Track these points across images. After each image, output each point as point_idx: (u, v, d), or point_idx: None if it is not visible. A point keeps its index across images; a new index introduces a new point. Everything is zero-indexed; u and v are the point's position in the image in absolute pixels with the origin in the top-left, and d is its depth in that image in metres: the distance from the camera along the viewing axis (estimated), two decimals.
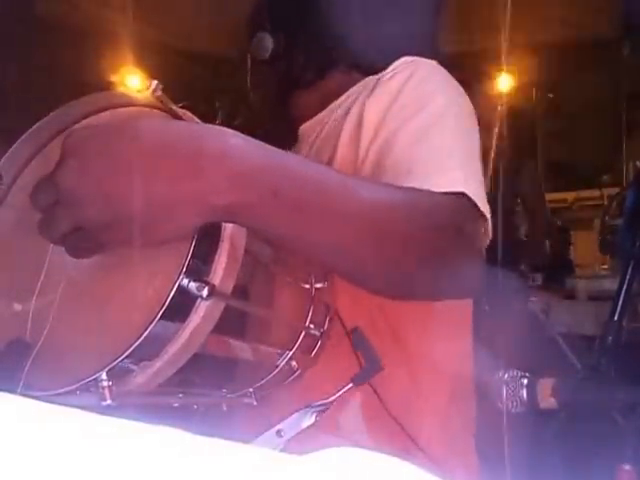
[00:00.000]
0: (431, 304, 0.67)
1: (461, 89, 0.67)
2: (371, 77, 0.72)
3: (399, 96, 0.65)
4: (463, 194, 0.58)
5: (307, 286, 0.58)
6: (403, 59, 0.68)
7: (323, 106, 0.77)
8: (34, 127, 0.49)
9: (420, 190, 0.59)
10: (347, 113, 0.70)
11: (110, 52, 2.39)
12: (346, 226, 0.48)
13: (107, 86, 2.51)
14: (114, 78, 2.62)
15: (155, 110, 0.45)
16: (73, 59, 2.35)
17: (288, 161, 0.46)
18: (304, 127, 0.79)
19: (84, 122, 0.47)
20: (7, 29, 2.18)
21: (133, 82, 2.73)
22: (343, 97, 0.75)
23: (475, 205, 0.59)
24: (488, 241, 0.66)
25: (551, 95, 2.50)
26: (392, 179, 0.60)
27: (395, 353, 0.66)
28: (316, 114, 0.78)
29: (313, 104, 0.78)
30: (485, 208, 0.61)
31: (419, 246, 0.53)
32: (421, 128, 0.62)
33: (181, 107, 0.45)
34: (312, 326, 0.57)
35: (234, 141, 0.42)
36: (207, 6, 2.73)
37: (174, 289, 0.39)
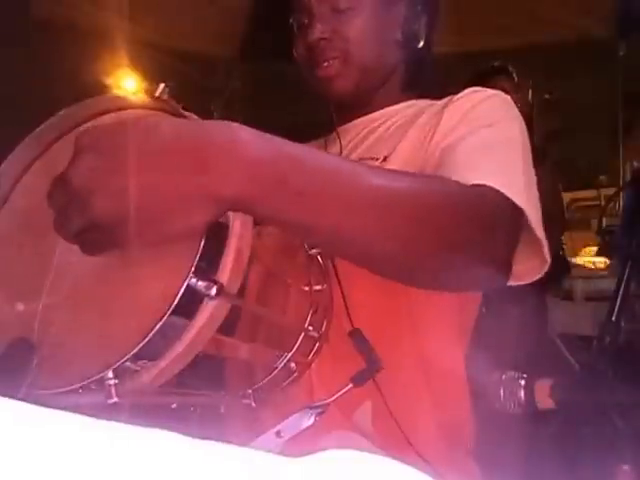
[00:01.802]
0: (440, 307, 0.67)
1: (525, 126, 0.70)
2: (428, 100, 0.78)
3: (477, 108, 0.68)
4: (497, 190, 0.58)
5: (306, 288, 0.58)
6: (476, 87, 0.72)
7: (363, 111, 0.79)
8: (36, 130, 0.49)
9: (443, 179, 0.59)
10: (412, 121, 0.73)
11: (106, 54, 2.39)
12: (356, 212, 0.48)
13: (103, 88, 2.51)
14: (110, 80, 2.62)
15: (160, 112, 0.46)
16: (69, 61, 2.35)
17: (296, 150, 0.46)
18: (342, 128, 0.80)
19: (86, 125, 0.47)
20: (2, 30, 2.17)
21: (128, 84, 2.73)
22: (396, 108, 0.79)
23: (511, 203, 0.58)
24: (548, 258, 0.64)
25: (547, 96, 2.51)
26: (445, 173, 0.61)
27: (401, 353, 0.66)
28: (352, 116, 0.80)
29: (355, 106, 0.79)
30: (531, 210, 0.59)
31: (432, 232, 0.52)
32: (490, 139, 0.65)
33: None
34: (311, 328, 0.58)
35: (241, 133, 0.43)
36: (202, 7, 2.73)
37: (183, 288, 0.39)
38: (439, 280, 0.59)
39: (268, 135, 0.44)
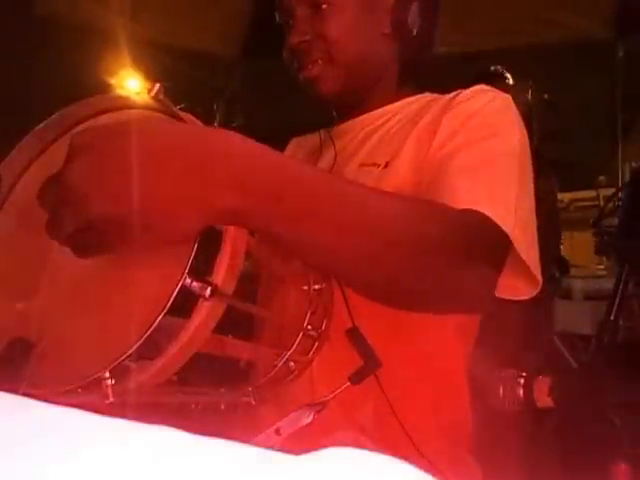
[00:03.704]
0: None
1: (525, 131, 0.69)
2: (428, 94, 0.77)
3: (476, 116, 0.67)
4: (485, 215, 0.58)
5: (305, 287, 0.59)
6: (480, 86, 0.71)
7: (362, 109, 0.78)
8: (36, 128, 0.49)
9: (435, 203, 0.59)
10: (414, 122, 0.71)
11: (108, 53, 2.39)
12: (349, 233, 0.48)
13: (106, 87, 2.51)
14: (112, 79, 2.62)
15: (157, 113, 0.46)
16: (71, 60, 2.35)
17: (292, 166, 0.47)
18: (342, 126, 0.80)
19: (86, 124, 0.47)
20: (6, 30, 2.17)
21: (131, 83, 2.73)
22: (397, 105, 0.77)
23: (499, 229, 0.58)
24: (539, 283, 0.64)
25: (547, 96, 2.51)
26: (434, 191, 0.62)
27: (400, 353, 0.66)
28: (353, 113, 0.79)
29: (351, 105, 0.78)
30: (518, 238, 0.60)
31: (423, 258, 0.53)
32: (484, 154, 0.64)
33: (179, 110, 0.45)
34: (310, 327, 0.58)
35: (239, 144, 0.43)
36: (205, 8, 2.73)
37: (177, 288, 0.40)
38: (422, 305, 0.59)
39: (264, 147, 0.44)
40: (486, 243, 0.59)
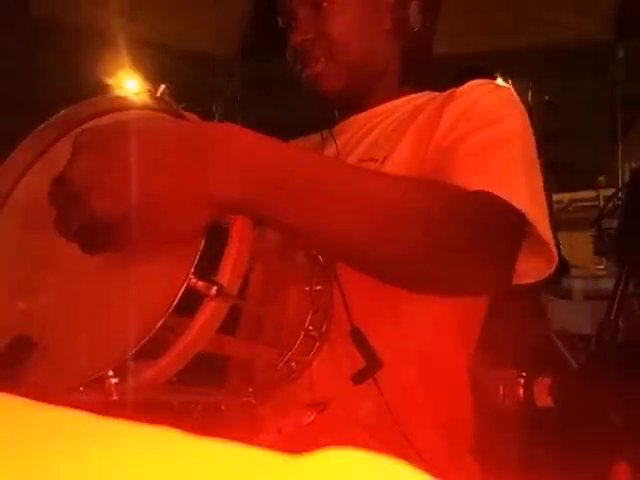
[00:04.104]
0: (441, 308, 0.67)
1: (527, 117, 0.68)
2: (428, 92, 0.77)
3: (477, 105, 0.67)
4: (497, 196, 0.57)
5: (307, 288, 0.59)
6: (478, 80, 0.71)
7: (363, 107, 0.79)
8: (39, 129, 0.49)
9: (442, 185, 0.59)
10: (411, 119, 0.72)
11: (107, 54, 2.39)
12: (356, 218, 0.48)
13: (104, 87, 2.52)
14: (111, 80, 2.62)
15: (161, 113, 0.46)
16: (70, 61, 2.35)
17: (295, 154, 0.47)
18: (343, 124, 0.80)
19: (89, 124, 0.48)
20: (3, 30, 2.18)
21: (129, 84, 2.73)
22: (397, 102, 0.77)
23: (512, 208, 0.58)
24: (556, 258, 0.63)
25: (547, 97, 2.51)
26: (441, 179, 0.61)
27: (400, 353, 0.66)
28: (354, 111, 0.79)
29: (353, 103, 0.79)
30: (535, 217, 0.59)
31: (430, 239, 0.52)
32: (490, 139, 0.64)
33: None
34: (311, 328, 0.58)
35: (241, 136, 0.43)
36: (204, 7, 2.73)
37: (183, 288, 0.40)
38: (436, 285, 0.58)
39: (268, 138, 0.44)
40: (502, 223, 0.58)
